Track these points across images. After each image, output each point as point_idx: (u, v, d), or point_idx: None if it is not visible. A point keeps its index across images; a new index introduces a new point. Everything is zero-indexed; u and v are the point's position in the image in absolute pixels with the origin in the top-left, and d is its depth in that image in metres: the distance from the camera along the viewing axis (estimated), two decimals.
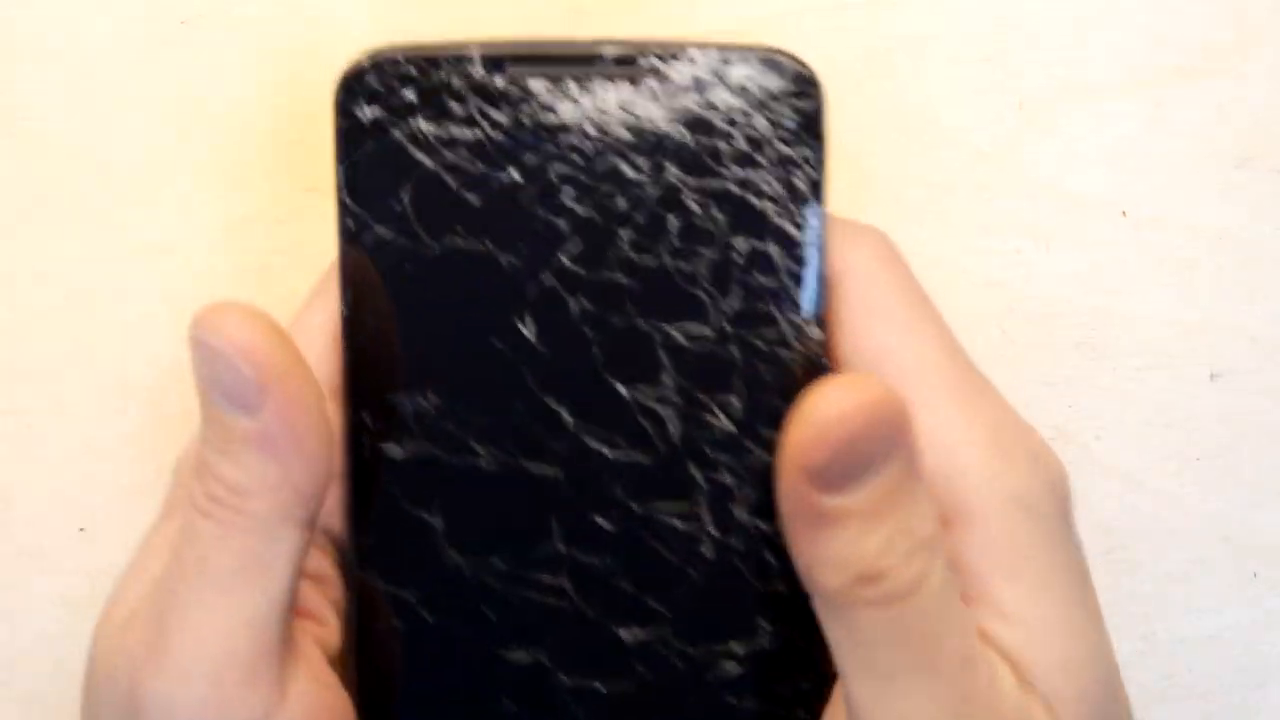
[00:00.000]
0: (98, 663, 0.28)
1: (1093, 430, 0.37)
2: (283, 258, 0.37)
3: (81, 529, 0.37)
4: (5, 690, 0.38)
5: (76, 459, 0.37)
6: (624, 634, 0.29)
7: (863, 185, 0.37)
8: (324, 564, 0.30)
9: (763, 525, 0.29)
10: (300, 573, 0.27)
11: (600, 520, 0.29)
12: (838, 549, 0.26)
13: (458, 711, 0.29)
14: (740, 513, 0.29)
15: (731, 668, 0.29)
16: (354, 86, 0.28)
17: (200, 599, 0.26)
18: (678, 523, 0.29)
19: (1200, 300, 0.37)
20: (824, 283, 0.28)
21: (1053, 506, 0.28)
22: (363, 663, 0.30)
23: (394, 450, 0.29)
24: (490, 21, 0.37)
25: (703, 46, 0.28)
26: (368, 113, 0.28)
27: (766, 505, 0.28)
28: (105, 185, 0.37)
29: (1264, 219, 0.38)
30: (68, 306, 0.37)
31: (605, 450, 0.28)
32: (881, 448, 0.25)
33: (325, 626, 0.29)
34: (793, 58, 0.28)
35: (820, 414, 0.25)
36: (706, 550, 0.29)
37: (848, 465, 0.25)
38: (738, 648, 0.29)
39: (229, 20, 0.37)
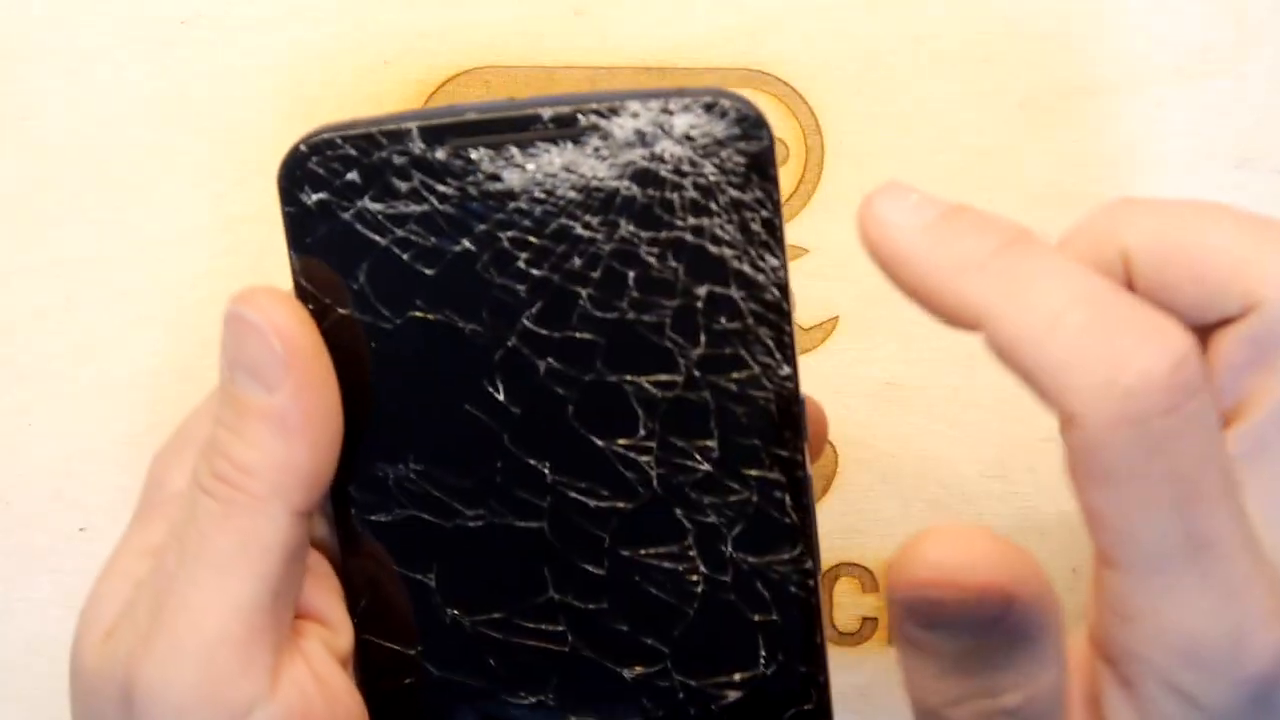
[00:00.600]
0: (86, 675, 0.28)
1: None
2: (282, 258, 0.37)
3: (81, 529, 0.37)
4: (5, 690, 0.38)
5: (76, 459, 0.37)
6: (625, 672, 0.29)
7: (863, 185, 0.37)
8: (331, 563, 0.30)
9: (752, 559, 0.29)
10: (294, 561, 0.28)
11: (590, 567, 0.29)
12: (918, 680, 0.25)
13: None
14: (727, 549, 0.29)
15: (733, 695, 0.29)
16: (296, 172, 0.28)
17: (197, 578, 0.26)
18: (667, 563, 0.29)
19: None
20: (790, 319, 0.28)
21: (1164, 407, 0.24)
22: (374, 714, 0.30)
23: (381, 517, 0.29)
24: (491, 22, 0.37)
25: (643, 97, 0.27)
26: (313, 197, 0.28)
27: (753, 540, 0.29)
28: (105, 185, 0.37)
29: None
30: (68, 306, 0.37)
31: (588, 501, 0.29)
32: (968, 617, 0.24)
33: (332, 627, 0.30)
34: (736, 99, 0.27)
35: (924, 557, 0.24)
36: (699, 587, 0.29)
37: (931, 617, 0.24)
38: (738, 676, 0.29)
39: (229, 20, 0.37)
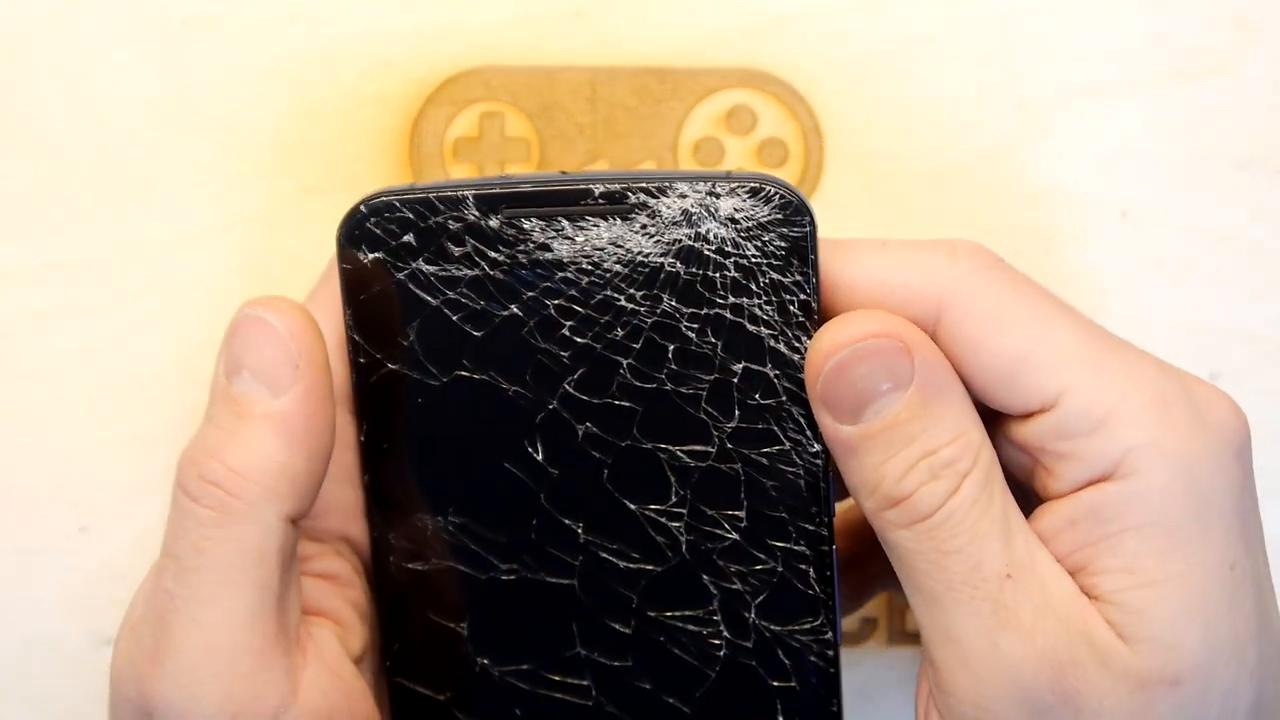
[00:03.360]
0: (112, 674, 0.28)
1: None
2: (282, 258, 0.37)
3: (82, 529, 0.37)
4: (5, 690, 0.38)
5: (76, 459, 0.37)
6: None
7: (863, 186, 0.37)
8: (343, 567, 0.31)
9: (774, 627, 0.30)
10: (291, 566, 0.28)
11: (617, 625, 0.30)
12: (865, 475, 0.28)
13: None
14: (750, 615, 0.30)
15: None
16: (355, 231, 0.29)
17: (201, 593, 0.26)
18: (692, 626, 0.30)
19: (1200, 300, 0.38)
20: None
21: (1218, 470, 0.27)
22: None
23: (418, 566, 0.30)
24: (491, 22, 0.37)
25: (691, 179, 0.28)
26: (369, 256, 0.29)
27: (776, 608, 0.30)
28: (105, 185, 0.37)
29: (1264, 219, 0.38)
30: (68, 307, 0.37)
31: (618, 562, 0.30)
32: (882, 377, 0.27)
33: (345, 626, 0.30)
34: (781, 185, 0.28)
35: (816, 349, 0.28)
36: (721, 651, 0.30)
37: (852, 395, 0.27)
38: None
39: (229, 20, 0.37)
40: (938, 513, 0.27)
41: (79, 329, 0.37)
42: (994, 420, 0.29)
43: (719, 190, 0.28)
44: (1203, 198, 0.38)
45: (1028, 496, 0.29)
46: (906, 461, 0.27)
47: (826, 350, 0.27)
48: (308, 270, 0.37)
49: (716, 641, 0.30)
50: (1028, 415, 0.28)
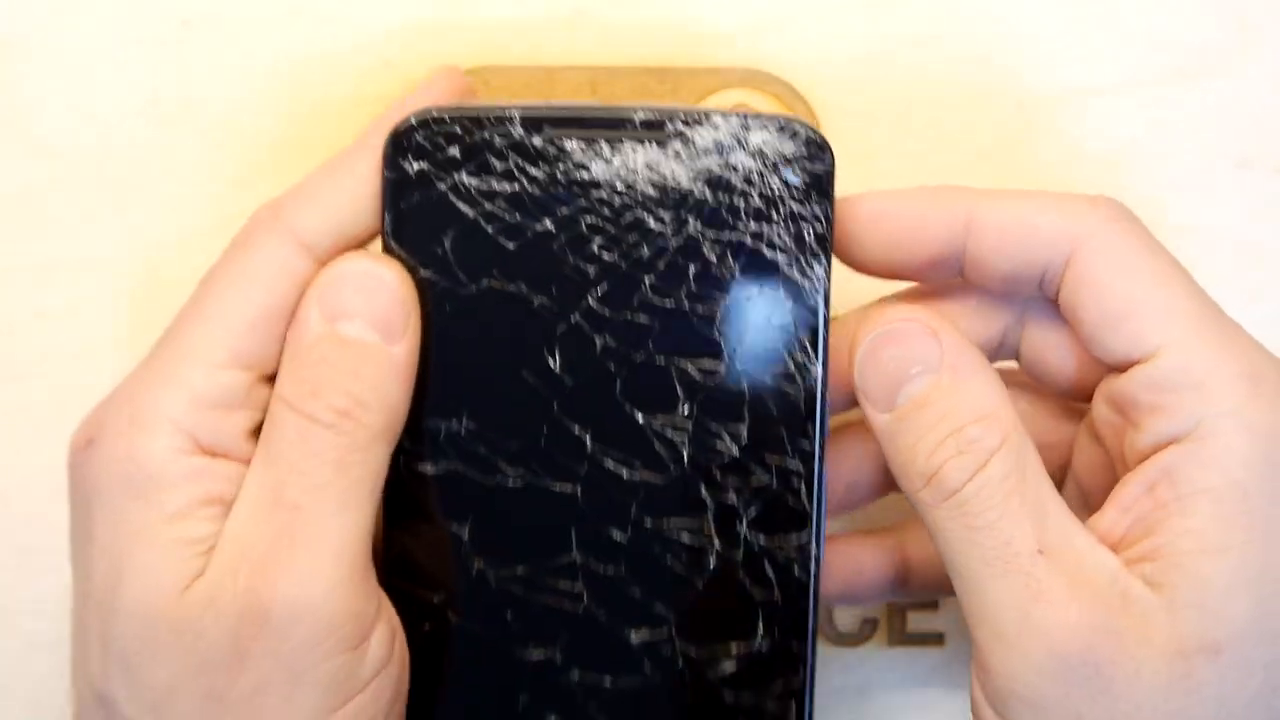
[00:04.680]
0: (178, 622, 0.28)
1: None
2: None
3: None
4: (6, 689, 0.38)
5: None
6: (633, 635, 0.31)
7: (864, 186, 0.37)
8: None
9: (763, 540, 0.31)
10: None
11: (615, 533, 0.31)
12: (901, 457, 0.30)
13: (478, 704, 0.32)
14: (742, 528, 0.31)
15: (729, 667, 0.32)
16: (402, 143, 0.30)
17: (330, 507, 0.29)
18: (686, 537, 0.31)
19: None
20: (827, 324, 0.31)
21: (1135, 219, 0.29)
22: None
23: (428, 469, 0.31)
24: (491, 22, 0.37)
25: (725, 114, 0.31)
26: (414, 166, 0.30)
27: (767, 521, 0.31)
28: (105, 185, 0.37)
29: (1264, 219, 0.38)
30: (68, 306, 0.37)
31: (622, 471, 0.31)
32: (911, 360, 0.29)
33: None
34: (807, 126, 0.31)
35: (848, 338, 0.31)
36: (710, 561, 0.31)
37: (885, 380, 0.30)
38: (735, 648, 0.32)
39: (230, 20, 0.37)
40: (965, 487, 0.28)
41: (78, 328, 0.37)
42: (1094, 382, 0.31)
43: (750, 125, 0.30)
44: (1203, 198, 0.38)
45: (1113, 466, 0.30)
46: (936, 439, 0.29)
47: (857, 338, 0.30)
48: None
49: (707, 552, 0.31)
50: (1127, 367, 0.29)
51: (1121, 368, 0.29)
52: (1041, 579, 0.28)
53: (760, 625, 0.31)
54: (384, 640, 0.29)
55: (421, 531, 0.32)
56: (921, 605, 0.38)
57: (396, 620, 0.30)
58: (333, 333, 0.30)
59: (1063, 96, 0.37)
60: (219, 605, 0.28)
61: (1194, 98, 0.37)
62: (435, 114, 0.30)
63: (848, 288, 0.37)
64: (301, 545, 0.28)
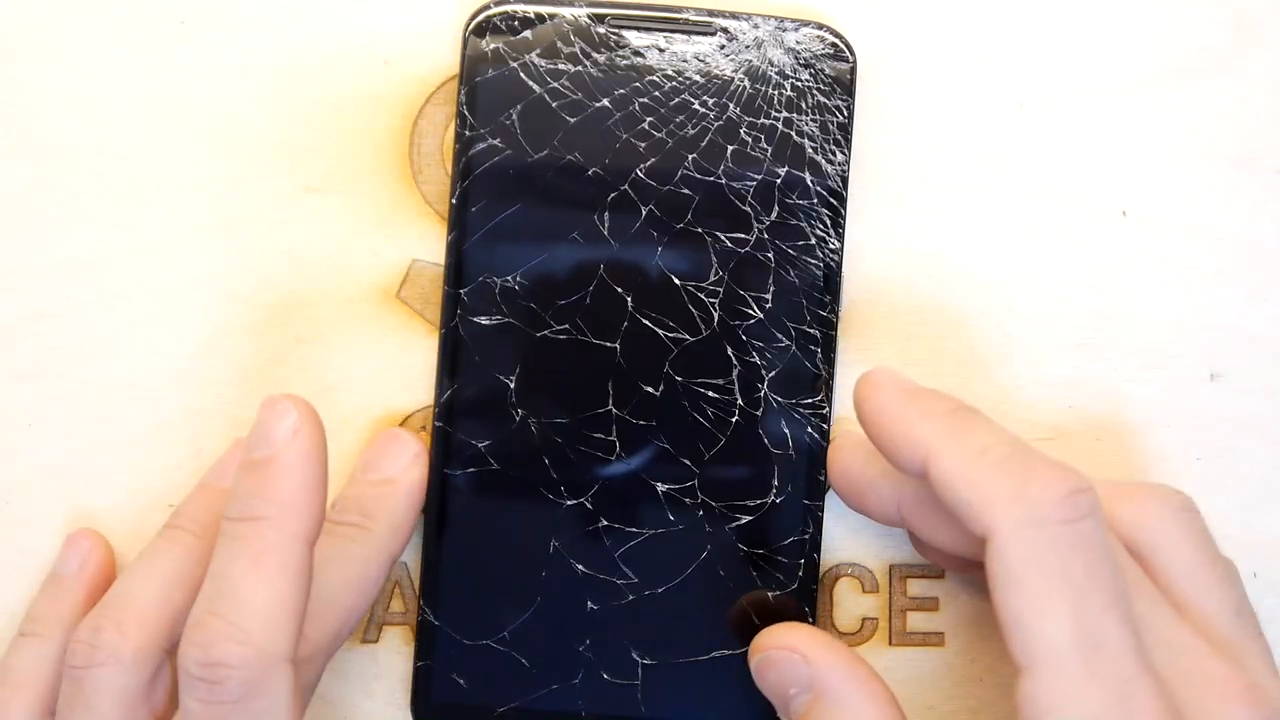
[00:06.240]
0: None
1: (1093, 430, 0.37)
2: (282, 258, 0.37)
3: (82, 528, 0.37)
4: None
5: (76, 459, 0.37)
6: (660, 486, 0.35)
7: (865, 185, 0.37)
8: None
9: (781, 399, 0.35)
10: None
11: (649, 388, 0.35)
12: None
13: (514, 547, 0.35)
14: (763, 387, 0.35)
15: (745, 518, 0.35)
16: (481, 23, 0.35)
17: (341, 600, 0.33)
18: (713, 393, 0.35)
19: (1200, 300, 0.37)
20: (845, 205, 0.35)
21: (1060, 517, 0.29)
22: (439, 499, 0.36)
23: (482, 320, 0.35)
24: None
25: (765, 16, 0.36)
26: (489, 45, 0.35)
27: (786, 383, 0.35)
28: (105, 185, 0.37)
29: (1264, 219, 0.38)
30: (67, 307, 0.37)
31: (658, 330, 0.35)
32: (785, 686, 0.33)
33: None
34: (834, 32, 0.36)
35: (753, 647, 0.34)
36: (734, 417, 0.35)
37: (775, 696, 0.34)
38: (751, 502, 0.35)
39: (229, 20, 0.37)
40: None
41: (78, 328, 0.37)
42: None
43: (787, 26, 0.36)
44: (1203, 198, 0.38)
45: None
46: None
47: (751, 650, 0.34)
48: (308, 270, 0.37)
49: (732, 409, 0.35)
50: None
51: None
52: (1140, 694, 0.28)
53: (775, 481, 0.35)
54: None
55: (472, 380, 0.35)
56: (922, 606, 0.38)
57: None
58: (361, 474, 0.36)
59: (1063, 96, 0.37)
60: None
61: (1194, 98, 0.37)
62: (512, 2, 0.35)
63: (857, 272, 0.37)
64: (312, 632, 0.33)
